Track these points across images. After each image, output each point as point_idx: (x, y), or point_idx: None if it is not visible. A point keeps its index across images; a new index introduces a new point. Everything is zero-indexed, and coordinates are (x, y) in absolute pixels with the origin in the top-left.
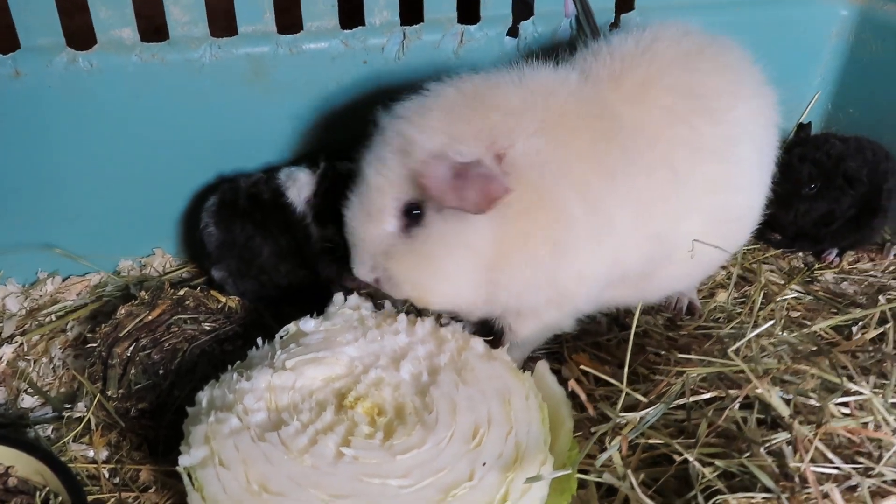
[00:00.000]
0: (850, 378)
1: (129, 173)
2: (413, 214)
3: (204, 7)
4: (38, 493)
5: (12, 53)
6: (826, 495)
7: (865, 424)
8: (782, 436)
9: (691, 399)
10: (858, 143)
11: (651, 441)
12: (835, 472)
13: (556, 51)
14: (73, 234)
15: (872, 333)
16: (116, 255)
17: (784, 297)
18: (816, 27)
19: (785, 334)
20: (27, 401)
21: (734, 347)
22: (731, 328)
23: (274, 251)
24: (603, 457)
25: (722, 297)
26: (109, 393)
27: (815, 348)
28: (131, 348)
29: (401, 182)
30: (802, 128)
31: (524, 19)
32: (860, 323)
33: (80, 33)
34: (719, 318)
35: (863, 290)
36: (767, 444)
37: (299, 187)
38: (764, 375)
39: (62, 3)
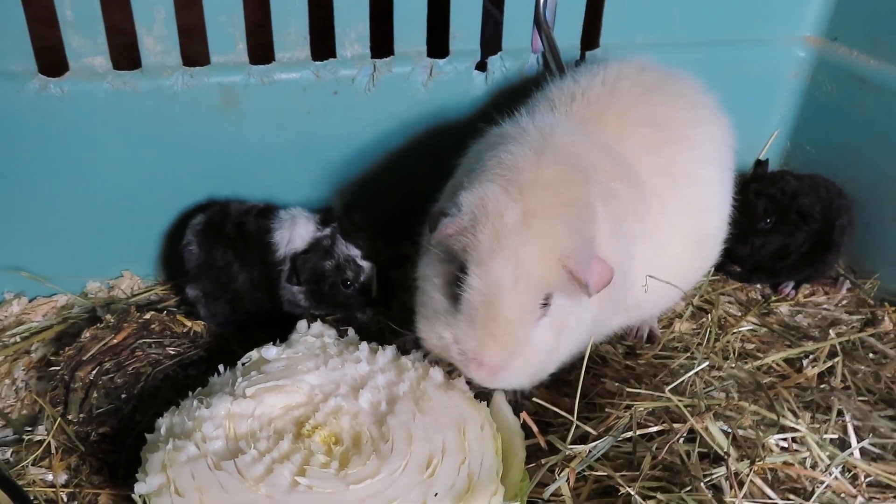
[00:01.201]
0: (794, 413)
1: (98, 197)
2: (542, 307)
3: (177, 36)
4: None
5: None
6: None
7: (803, 460)
8: (721, 470)
9: (638, 433)
10: (813, 180)
11: (598, 473)
12: None
13: (524, 87)
14: (41, 255)
15: (822, 367)
16: (84, 276)
17: (739, 329)
18: (775, 68)
19: (734, 368)
20: None
21: (674, 384)
22: (683, 359)
23: (249, 280)
24: (551, 488)
25: (681, 326)
26: (70, 417)
27: (763, 381)
28: (94, 372)
29: (539, 278)
30: (760, 164)
31: (493, 41)
32: (811, 356)
33: (52, 60)
34: (677, 346)
35: (816, 322)
36: (708, 479)
37: (291, 236)
38: (706, 411)
39: (34, 30)
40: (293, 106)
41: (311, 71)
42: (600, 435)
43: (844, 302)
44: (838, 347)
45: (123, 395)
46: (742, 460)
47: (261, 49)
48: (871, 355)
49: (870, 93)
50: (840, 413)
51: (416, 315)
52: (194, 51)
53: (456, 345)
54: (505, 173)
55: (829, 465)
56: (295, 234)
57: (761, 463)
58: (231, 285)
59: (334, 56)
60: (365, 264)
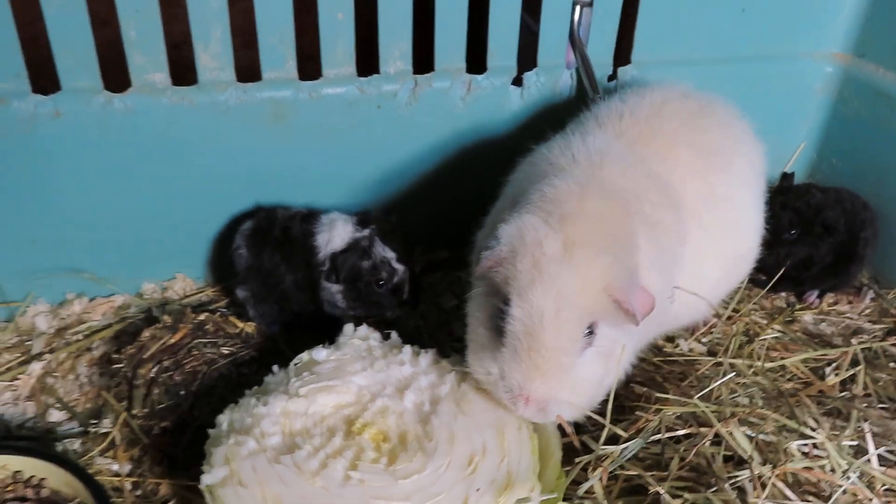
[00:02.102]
0: (815, 420)
1: (154, 204)
2: (587, 335)
3: (231, 54)
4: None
5: (53, 95)
6: None
7: (822, 466)
8: (745, 473)
9: (666, 435)
10: (838, 193)
11: (628, 472)
12: None
13: (558, 101)
14: (101, 258)
15: (844, 375)
16: (140, 278)
17: (765, 337)
18: (803, 82)
19: (758, 376)
20: (55, 416)
21: (702, 392)
22: (710, 365)
23: (294, 281)
24: (585, 486)
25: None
26: (134, 411)
27: (786, 388)
28: (155, 369)
29: (582, 307)
30: (786, 177)
31: (529, 57)
32: (833, 364)
33: (116, 77)
34: (703, 351)
35: (839, 331)
36: (732, 481)
37: (331, 237)
38: (731, 417)
39: (101, 49)
40: (339, 119)
41: (356, 86)
42: (631, 437)
43: (867, 311)
44: (860, 355)
45: (182, 392)
46: (765, 464)
47: (310, 66)
48: (892, 364)
49: (894, 109)
50: (859, 420)
51: (467, 350)
52: (247, 67)
53: (502, 381)
54: (546, 206)
55: (845, 471)
56: (334, 234)
57: (783, 467)
58: (278, 287)
59: (378, 72)
60: (399, 267)
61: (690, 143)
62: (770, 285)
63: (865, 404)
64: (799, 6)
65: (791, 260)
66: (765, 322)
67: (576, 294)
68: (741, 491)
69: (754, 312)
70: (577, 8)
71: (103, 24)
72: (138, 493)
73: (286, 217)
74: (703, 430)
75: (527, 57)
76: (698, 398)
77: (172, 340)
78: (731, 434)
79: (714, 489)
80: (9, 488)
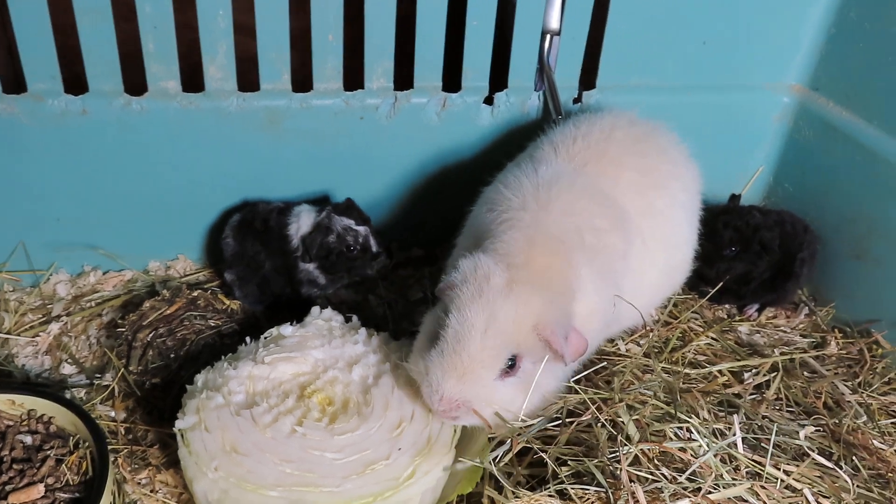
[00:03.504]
0: (693, 410)
1: (163, 193)
2: (509, 366)
3: (234, 66)
4: (71, 439)
5: (81, 96)
6: (633, 493)
7: (692, 447)
8: (625, 449)
9: (570, 419)
10: (780, 216)
11: (535, 446)
12: (651, 478)
13: (525, 119)
14: (115, 237)
15: (761, 380)
16: (147, 256)
17: (698, 343)
18: (761, 111)
19: (667, 375)
20: (67, 369)
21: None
22: (627, 362)
23: (273, 266)
24: (496, 452)
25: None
26: (131, 368)
27: (680, 386)
28: (151, 335)
29: (510, 335)
30: (733, 198)
31: (500, 79)
32: (753, 370)
33: (135, 82)
34: (639, 352)
35: (771, 342)
36: (612, 455)
37: (299, 225)
38: (619, 402)
39: (123, 58)
40: (326, 127)
41: (342, 99)
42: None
43: (801, 326)
44: (780, 364)
45: (172, 356)
46: (643, 442)
47: (302, 79)
48: (806, 374)
49: (839, 142)
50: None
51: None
52: (248, 79)
53: (427, 374)
54: (500, 252)
55: (707, 452)
56: (302, 223)
57: (653, 442)
58: (259, 271)
59: (363, 87)
60: (360, 228)
61: (634, 165)
62: (710, 296)
63: (776, 407)
64: (758, 41)
65: (730, 274)
66: (701, 329)
67: (507, 322)
68: (618, 462)
69: (694, 320)
70: (547, 36)
71: (126, 38)
72: (129, 436)
73: (266, 210)
74: (597, 413)
75: (498, 78)
76: (610, 386)
77: (168, 311)
78: (616, 414)
79: (596, 460)
80: (24, 423)
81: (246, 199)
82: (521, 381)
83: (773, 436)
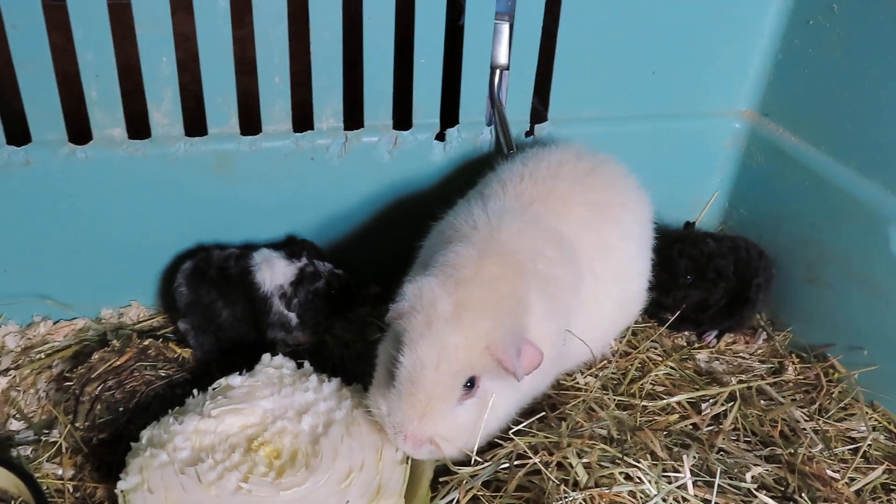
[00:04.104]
0: (652, 453)
1: (112, 240)
2: (467, 387)
3: (180, 112)
4: (13, 502)
5: (24, 146)
6: None
7: (643, 491)
8: (576, 494)
9: (519, 462)
10: (734, 242)
11: (479, 493)
12: None
13: (477, 155)
14: (65, 285)
15: (718, 410)
16: (100, 304)
17: (657, 373)
18: (714, 137)
19: (618, 412)
20: (14, 425)
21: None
22: (582, 399)
23: (231, 315)
24: (444, 500)
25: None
26: (78, 424)
27: (636, 424)
28: (99, 388)
29: (463, 362)
30: (687, 225)
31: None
32: (710, 400)
33: (79, 131)
34: (598, 385)
35: (730, 369)
36: (562, 501)
37: (273, 273)
38: (569, 447)
39: (66, 106)
40: (276, 169)
41: (291, 141)
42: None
43: (760, 351)
44: (737, 393)
45: (121, 409)
46: (593, 487)
47: (250, 122)
48: (763, 402)
49: (789, 166)
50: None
51: (370, 385)
52: (195, 123)
53: (388, 417)
54: (447, 270)
55: (657, 495)
56: (275, 271)
57: (602, 491)
58: (215, 320)
59: (312, 128)
60: (339, 271)
61: (583, 200)
62: (669, 324)
63: (734, 437)
64: (707, 68)
65: (688, 302)
66: (660, 359)
67: (458, 350)
68: None
69: (653, 349)
70: (497, 71)
71: (69, 86)
72: (78, 495)
73: (222, 258)
74: (548, 458)
75: (450, 114)
76: (562, 428)
77: (118, 363)
78: (565, 459)
79: None
80: None
81: (199, 243)
82: (482, 400)
83: (717, 478)
